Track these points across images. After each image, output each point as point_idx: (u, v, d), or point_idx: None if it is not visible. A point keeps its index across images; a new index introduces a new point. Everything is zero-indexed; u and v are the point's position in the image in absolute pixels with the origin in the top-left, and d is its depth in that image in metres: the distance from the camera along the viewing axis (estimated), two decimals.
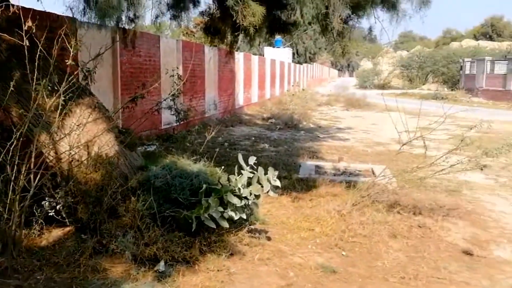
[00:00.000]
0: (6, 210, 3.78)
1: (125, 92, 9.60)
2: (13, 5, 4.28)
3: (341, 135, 13.92)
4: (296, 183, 7.15)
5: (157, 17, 6.18)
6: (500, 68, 34.10)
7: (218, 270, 4.00)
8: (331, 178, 7.27)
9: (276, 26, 6.21)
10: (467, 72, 37.90)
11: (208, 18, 6.48)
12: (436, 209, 6.13)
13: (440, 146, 9.83)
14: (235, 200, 4.26)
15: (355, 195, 5.88)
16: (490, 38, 67.45)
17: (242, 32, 4.84)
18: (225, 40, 6.48)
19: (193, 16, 7.24)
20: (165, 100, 6.71)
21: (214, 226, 4.20)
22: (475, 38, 67.47)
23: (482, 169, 6.01)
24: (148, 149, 9.18)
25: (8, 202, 3.77)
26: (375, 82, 50.88)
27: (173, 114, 8.02)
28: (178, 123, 9.23)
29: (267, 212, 5.68)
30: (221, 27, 5.88)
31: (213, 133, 6.47)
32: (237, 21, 4.48)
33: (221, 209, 4.24)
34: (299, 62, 44.56)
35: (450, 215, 6.00)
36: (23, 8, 4.06)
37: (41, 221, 4.26)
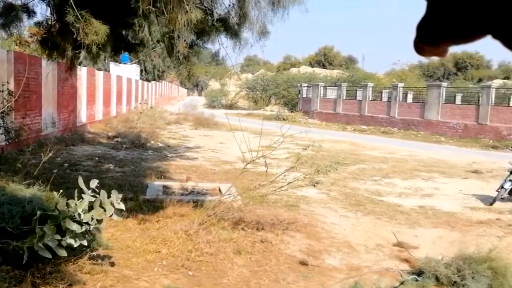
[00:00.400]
0: None
1: None
2: None
3: (190, 154, 14.04)
4: (142, 204, 6.99)
5: None
6: (331, 93, 38.33)
7: None
8: (178, 198, 7.28)
9: (122, 44, 6.07)
10: (304, 95, 41.65)
11: (45, 31, 6.02)
12: (277, 224, 6.56)
13: (281, 164, 10.59)
14: (74, 227, 3.99)
15: (202, 214, 5.99)
16: (323, 66, 75.28)
17: (84, 50, 4.62)
18: (65, 55, 6.09)
19: (21, 27, 6.63)
20: None
21: (49, 256, 3.87)
22: (311, 65, 74.55)
23: (315, 185, 6.66)
24: None
25: None
26: (223, 102, 52.71)
27: (1, 134, 7.17)
28: (7, 143, 8.28)
29: (111, 237, 5.44)
30: (60, 42, 5.51)
31: (50, 153, 5.99)
32: (78, 38, 4.26)
33: (58, 237, 3.93)
34: (147, 80, 43.86)
35: (289, 228, 6.49)
36: None
37: None
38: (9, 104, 5.77)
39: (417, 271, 4.97)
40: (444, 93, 28.10)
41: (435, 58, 72.99)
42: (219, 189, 8.62)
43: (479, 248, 5.26)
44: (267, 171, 6.57)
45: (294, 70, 65.56)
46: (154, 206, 6.91)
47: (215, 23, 5.14)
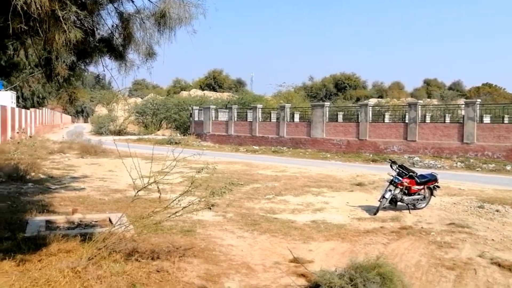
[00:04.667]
0: None
1: None
2: None
3: (76, 185, 13.15)
4: (21, 243, 6.32)
5: None
6: (223, 115, 38.87)
7: None
8: (64, 233, 6.72)
9: None
10: (196, 118, 41.67)
11: None
12: (173, 251, 6.36)
13: (175, 188, 10.36)
14: None
15: (91, 248, 5.57)
16: (213, 89, 76.31)
17: None
18: None
19: None
20: None
21: None
22: (201, 88, 75.11)
23: (210, 208, 6.59)
24: None
25: None
26: (111, 128, 50.58)
27: None
28: None
29: None
30: None
31: None
32: None
33: None
34: (25, 107, 40.57)
35: (186, 255, 6.32)
36: None
37: None
38: None
39: (313, 285, 5.12)
40: (327, 112, 30.05)
41: (317, 80, 78.13)
42: (110, 220, 8.15)
43: (368, 256, 5.60)
44: (160, 196, 6.34)
45: (184, 93, 65.52)
46: (36, 244, 6.29)
47: (97, 44, 4.90)
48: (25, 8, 3.54)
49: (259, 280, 5.64)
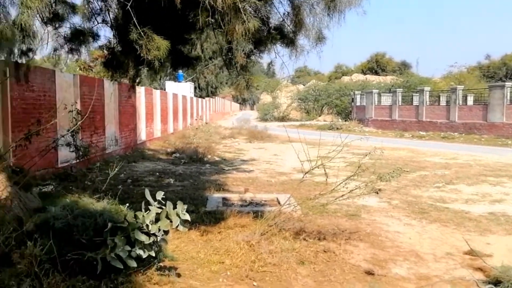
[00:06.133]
0: None
1: (16, 129, 8.93)
2: None
3: (246, 167, 14.17)
4: (204, 216, 7.11)
5: (55, 50, 5.91)
6: (386, 99, 37.46)
7: None
8: (238, 209, 7.34)
9: (180, 60, 6.26)
10: (358, 103, 40.98)
11: (109, 52, 6.34)
12: (338, 234, 6.45)
13: (339, 173, 10.43)
14: (143, 238, 4.12)
15: (262, 225, 5.99)
16: (376, 73, 73.90)
17: (146, 66, 4.81)
18: (128, 74, 6.37)
19: (90, 50, 7.03)
20: (63, 136, 6.34)
21: (121, 266, 4.01)
22: (363, 72, 73.47)
23: (377, 193, 6.49)
24: (43, 189, 8.55)
25: None
26: (275, 115, 52.89)
27: (72, 151, 7.60)
28: (78, 160, 8.75)
29: (176, 248, 5.56)
30: (123, 61, 5.78)
31: (116, 169, 6.24)
32: (141, 55, 4.45)
33: (128, 247, 4.07)
34: (201, 96, 44.94)
35: (352, 238, 6.35)
36: None
37: None
38: (78, 124, 6.12)
39: (493, 281, 4.70)
40: (508, 94, 26.67)
41: (495, 58, 69.59)
42: (277, 200, 8.61)
43: None
44: (327, 180, 6.48)
45: (346, 78, 64.88)
46: (215, 218, 7.01)
47: (271, 32, 5.19)
48: (212, 3, 3.97)
49: (429, 270, 5.39)
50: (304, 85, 67.59)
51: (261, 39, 5.15)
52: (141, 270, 4.45)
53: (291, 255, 5.40)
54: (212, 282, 4.72)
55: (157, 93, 21.91)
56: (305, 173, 6.39)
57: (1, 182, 4.28)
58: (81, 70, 28.32)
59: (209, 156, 16.33)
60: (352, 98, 42.66)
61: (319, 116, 50.62)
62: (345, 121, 40.88)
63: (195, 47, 6.32)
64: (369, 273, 5.20)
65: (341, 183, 6.20)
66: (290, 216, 6.41)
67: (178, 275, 4.75)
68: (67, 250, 4.06)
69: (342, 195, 6.26)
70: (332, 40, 10.41)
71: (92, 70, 28.04)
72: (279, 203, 8.22)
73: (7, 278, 3.83)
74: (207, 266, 5.10)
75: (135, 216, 4.28)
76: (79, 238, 4.13)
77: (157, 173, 12.28)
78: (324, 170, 6.18)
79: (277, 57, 5.56)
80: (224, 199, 8.75)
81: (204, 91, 49.81)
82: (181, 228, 4.44)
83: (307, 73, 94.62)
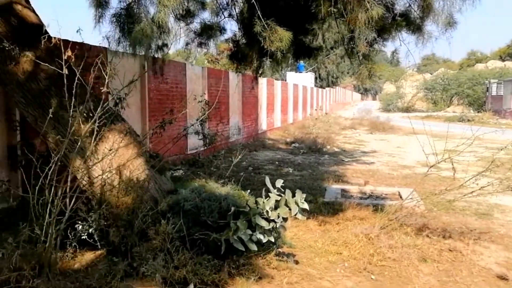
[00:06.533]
0: (43, 233, 3.91)
1: (152, 118, 9.83)
2: (54, 38, 4.53)
3: (366, 159, 13.83)
4: (322, 206, 7.14)
5: (187, 44, 6.39)
6: None
7: None
8: (357, 202, 7.23)
9: (301, 51, 6.34)
10: (494, 93, 37.34)
11: (234, 45, 6.66)
12: (466, 233, 6.01)
13: (468, 168, 9.68)
14: (263, 223, 4.29)
15: (382, 219, 5.84)
16: None
17: (269, 57, 4.97)
18: (251, 66, 6.63)
19: (217, 43, 7.46)
20: (192, 125, 6.86)
21: (243, 248, 4.23)
22: (501, 59, 66.60)
23: None
24: (175, 173, 9.31)
25: (45, 225, 3.90)
26: (399, 105, 50.55)
27: (200, 139, 8.16)
28: (205, 148, 9.37)
29: (294, 236, 5.68)
30: (247, 53, 6.03)
31: (238, 157, 6.55)
32: (265, 46, 4.61)
33: (249, 232, 4.27)
34: (321, 86, 44.75)
35: (482, 238, 5.88)
36: (63, 40, 4.27)
37: (75, 244, 4.38)
38: (206, 113, 6.56)
39: None
40: None
41: None
42: (399, 194, 8.29)
43: None
44: (455, 175, 6.06)
45: (480, 66, 59.43)
46: (334, 209, 7.00)
47: (396, 19, 4.99)
48: None
49: None
50: (431, 74, 63.40)
51: (385, 27, 4.97)
52: (261, 254, 4.64)
53: (412, 251, 5.19)
54: (329, 272, 4.74)
55: (278, 84, 22.35)
56: (430, 167, 6.05)
57: (140, 165, 4.77)
58: (208, 63, 30.04)
59: (328, 147, 16.25)
60: (487, 87, 38.97)
61: (448, 107, 47.17)
62: (478, 112, 37.50)
63: (317, 37, 6.33)
64: (502, 278, 4.78)
65: (471, 178, 5.76)
66: (412, 211, 6.14)
67: (296, 262, 4.86)
68: (194, 230, 4.40)
69: (472, 192, 5.81)
70: (465, 24, 9.62)
71: (218, 62, 29.57)
72: (400, 197, 7.92)
73: (144, 251, 4.27)
74: (324, 256, 5.13)
75: (256, 202, 4.47)
76: (205, 219, 4.44)
77: (277, 162, 12.60)
78: (452, 164, 5.78)
79: (402, 44, 5.34)
80: (343, 190, 8.67)
81: (325, 81, 49.51)
82: (299, 216, 4.53)
83: (435, 61, 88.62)
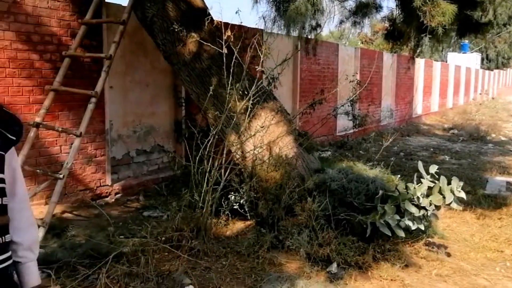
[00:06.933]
0: (201, 199, 4.30)
1: (302, 98, 9.99)
2: (215, 20, 4.87)
3: None
4: (482, 199, 6.49)
5: (341, 22, 6.31)
6: None
7: (391, 280, 3.87)
8: None
9: (467, 27, 5.75)
10: None
11: (390, 23, 6.35)
12: None
13: None
14: (413, 209, 4.08)
15: None
16: None
17: (428, 34, 4.62)
18: (408, 45, 6.26)
19: (372, 22, 7.20)
20: (342, 105, 6.80)
21: (389, 233, 4.09)
22: None
23: None
24: (322, 155, 9.37)
25: (203, 192, 4.28)
26: None
27: (350, 120, 8.03)
28: (354, 129, 9.21)
29: (447, 227, 5.29)
30: (404, 31, 5.71)
31: (389, 141, 6.30)
32: (424, 22, 4.30)
33: (397, 217, 4.10)
34: (488, 68, 40.26)
35: None
36: (223, 22, 4.58)
37: (227, 212, 4.73)
38: (356, 94, 6.42)
39: None
40: None
41: None
42: None
43: None
44: None
45: None
46: (496, 202, 6.31)
47: None
48: None
49: None
50: None
51: None
52: (409, 242, 4.44)
53: None
54: (486, 269, 4.31)
55: (437, 65, 20.77)
56: None
57: (289, 142, 4.90)
58: (362, 43, 29.29)
59: (493, 135, 14.63)
60: None
61: None
62: None
63: (487, 12, 5.68)
64: None
65: None
66: None
67: (448, 255, 4.53)
68: (340, 210, 4.39)
69: None
70: None
71: (372, 43, 28.66)
72: None
73: (290, 226, 4.41)
74: (481, 252, 4.68)
75: (406, 187, 4.26)
76: (351, 200, 4.39)
77: (431, 149, 11.79)
78: None
79: None
80: (508, 183, 7.75)
81: (493, 62, 44.35)
82: (454, 205, 4.19)
83: None
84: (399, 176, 5.35)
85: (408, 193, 4.16)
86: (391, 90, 15.35)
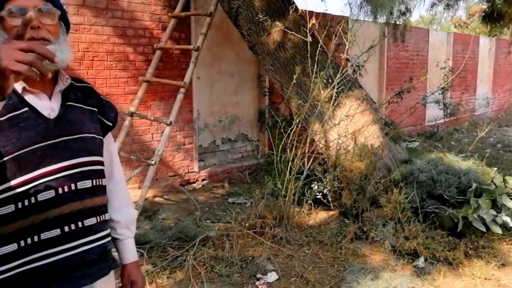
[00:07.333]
0: (283, 188, 4.33)
1: (389, 87, 9.62)
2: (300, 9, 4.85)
3: None
4: None
5: (432, 5, 5.97)
6: None
7: (485, 279, 3.64)
8: None
9: None
10: None
11: (489, 4, 5.88)
12: None
13: None
14: (511, 204, 3.78)
15: None
16: None
17: None
18: (509, 27, 5.77)
19: (468, 5, 6.70)
20: (432, 93, 6.43)
21: (484, 229, 3.83)
22: None
23: None
24: (410, 145, 8.98)
25: (285, 181, 4.32)
26: None
27: (440, 109, 7.57)
28: (445, 119, 8.69)
29: None
30: (506, 11, 5.26)
31: (484, 131, 5.87)
32: None
33: (493, 212, 3.83)
34: None
35: None
36: (308, 11, 4.53)
37: (310, 201, 4.71)
38: (448, 81, 6.04)
39: None
40: None
41: None
42: None
43: None
44: None
45: None
46: None
47: None
48: None
49: None
50: None
51: None
52: (506, 239, 4.13)
53: None
54: None
55: None
56: None
57: (375, 132, 4.76)
58: (455, 28, 27.50)
59: None
60: None
61: None
62: None
63: None
64: None
65: None
66: None
67: None
68: (428, 202, 4.19)
69: None
70: None
71: (467, 27, 26.80)
72: None
73: (375, 217, 4.30)
74: None
75: (504, 181, 3.97)
76: (441, 193, 4.18)
77: None
78: None
79: None
80: None
81: None
82: None
83: None
84: (495, 169, 4.98)
85: (506, 187, 3.87)
86: (488, 77, 14.27)
